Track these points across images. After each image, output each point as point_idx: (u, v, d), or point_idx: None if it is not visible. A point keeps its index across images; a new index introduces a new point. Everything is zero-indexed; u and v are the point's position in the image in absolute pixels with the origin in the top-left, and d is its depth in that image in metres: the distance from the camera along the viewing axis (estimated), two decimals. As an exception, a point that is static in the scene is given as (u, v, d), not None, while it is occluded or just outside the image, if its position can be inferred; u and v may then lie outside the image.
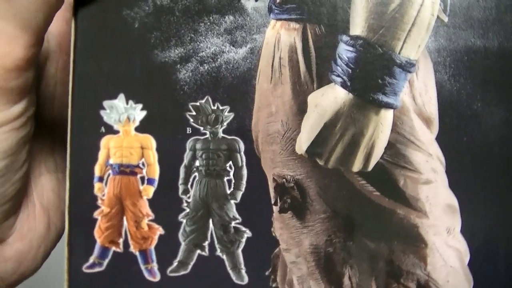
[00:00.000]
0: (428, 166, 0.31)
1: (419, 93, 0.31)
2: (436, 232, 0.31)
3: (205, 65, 0.32)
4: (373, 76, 0.31)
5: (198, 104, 0.32)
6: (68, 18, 0.36)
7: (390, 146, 0.31)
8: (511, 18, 0.31)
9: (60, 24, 0.36)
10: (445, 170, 0.31)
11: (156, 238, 0.32)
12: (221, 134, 0.32)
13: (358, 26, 0.31)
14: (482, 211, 0.31)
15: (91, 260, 0.32)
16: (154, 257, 0.32)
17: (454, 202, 0.31)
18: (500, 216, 0.31)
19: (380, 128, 0.31)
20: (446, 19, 0.31)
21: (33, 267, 0.38)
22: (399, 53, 0.31)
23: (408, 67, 0.31)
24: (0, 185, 0.33)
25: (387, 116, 0.31)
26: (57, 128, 0.39)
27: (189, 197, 0.32)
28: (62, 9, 0.32)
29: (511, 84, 0.31)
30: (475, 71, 0.31)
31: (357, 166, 0.32)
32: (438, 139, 0.31)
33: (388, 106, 0.31)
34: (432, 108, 0.31)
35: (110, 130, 0.32)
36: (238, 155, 0.32)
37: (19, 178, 0.34)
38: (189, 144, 0.32)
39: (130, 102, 0.32)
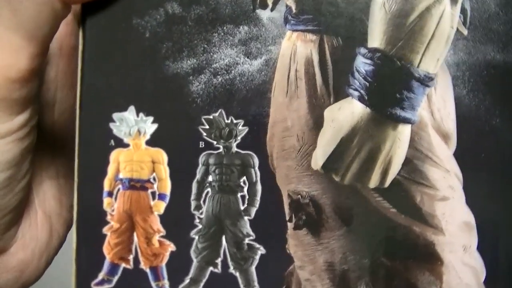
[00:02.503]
0: (445, 182, 0.31)
1: (437, 108, 0.31)
2: (452, 250, 0.31)
3: (218, 77, 0.31)
4: (391, 90, 0.30)
5: (211, 117, 0.31)
6: (69, 20, 0.35)
7: (407, 162, 0.31)
8: (532, 32, 0.30)
9: (61, 26, 0.35)
10: (462, 187, 0.31)
11: (167, 254, 0.32)
12: (234, 149, 0.31)
13: (376, 38, 0.30)
14: (498, 229, 0.31)
15: (100, 276, 0.32)
16: (165, 274, 0.32)
17: (471, 219, 0.31)
18: (517, 234, 0.31)
19: (398, 144, 0.31)
20: (465, 32, 0.31)
21: (35, 275, 0.37)
22: (417, 66, 0.30)
23: (426, 81, 0.30)
24: (4, 196, 0.32)
25: (404, 131, 0.31)
26: (58, 134, 0.38)
27: (201, 213, 0.32)
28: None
29: (531, 100, 0.31)
30: (494, 86, 0.31)
31: (373, 182, 0.31)
32: (456, 155, 0.31)
33: (406, 121, 0.30)
34: (450, 124, 0.31)
35: (120, 144, 0.32)
36: (252, 170, 0.31)
37: (22, 188, 0.34)
38: (201, 158, 0.31)
39: (141, 114, 0.31)
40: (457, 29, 0.30)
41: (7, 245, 0.35)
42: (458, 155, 0.31)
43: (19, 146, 0.32)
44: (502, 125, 0.31)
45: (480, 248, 0.31)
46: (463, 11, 0.30)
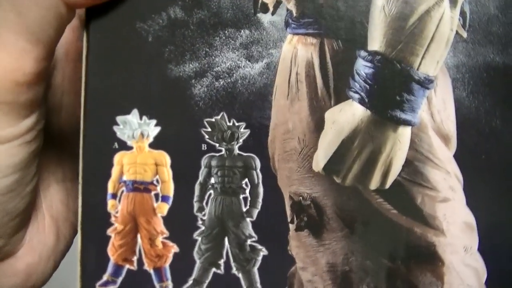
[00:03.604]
0: (446, 184, 0.31)
1: (437, 110, 0.31)
2: (453, 251, 0.31)
3: (220, 80, 0.31)
4: (391, 92, 0.31)
5: (213, 120, 0.31)
6: (75, 26, 0.36)
7: (408, 163, 0.31)
8: (531, 34, 0.30)
9: (67, 32, 0.35)
10: (462, 188, 0.31)
11: (170, 256, 0.32)
12: (236, 151, 0.32)
13: (376, 41, 0.30)
14: (499, 229, 0.31)
15: (105, 278, 0.32)
16: (168, 275, 0.32)
17: (472, 220, 0.31)
18: (518, 234, 0.31)
19: (398, 146, 0.31)
20: (465, 35, 0.31)
21: (42, 279, 0.37)
22: (417, 69, 0.30)
23: (426, 83, 0.31)
24: (11, 200, 0.32)
25: (405, 133, 0.31)
26: (64, 138, 0.38)
27: (204, 215, 0.32)
28: (70, 17, 0.31)
29: (531, 101, 0.31)
30: (494, 88, 0.31)
31: (374, 183, 0.31)
32: (456, 156, 0.31)
33: (406, 123, 0.31)
34: (450, 125, 0.31)
35: (124, 146, 0.32)
36: (254, 172, 0.32)
37: (29, 191, 0.34)
38: (204, 161, 0.32)
39: (144, 117, 0.32)
40: (457, 32, 0.31)
41: (14, 248, 0.35)
42: (459, 157, 0.31)
43: (26, 150, 0.32)
44: (502, 127, 0.31)
45: (481, 249, 0.31)
46: (462, 13, 0.31)
